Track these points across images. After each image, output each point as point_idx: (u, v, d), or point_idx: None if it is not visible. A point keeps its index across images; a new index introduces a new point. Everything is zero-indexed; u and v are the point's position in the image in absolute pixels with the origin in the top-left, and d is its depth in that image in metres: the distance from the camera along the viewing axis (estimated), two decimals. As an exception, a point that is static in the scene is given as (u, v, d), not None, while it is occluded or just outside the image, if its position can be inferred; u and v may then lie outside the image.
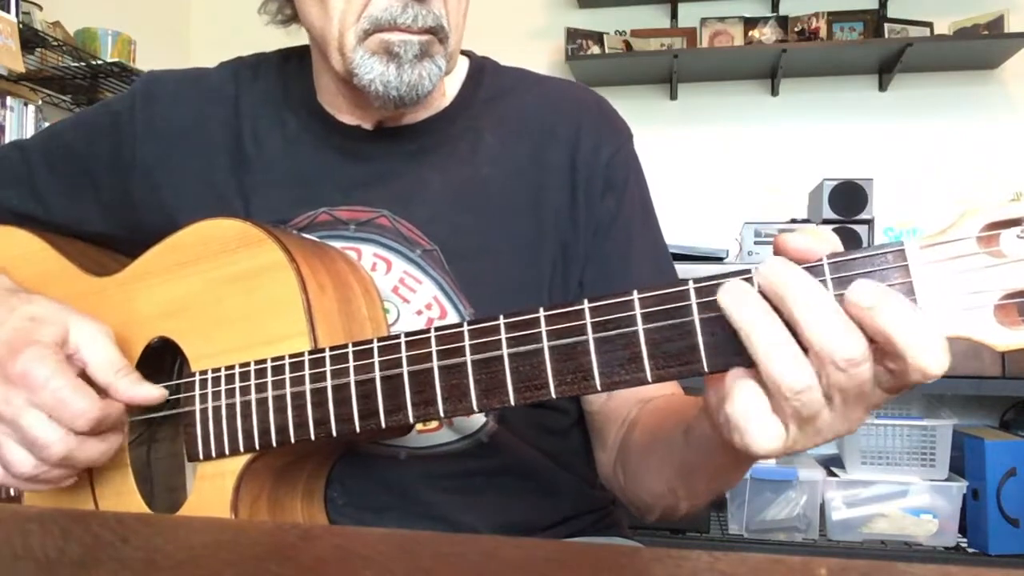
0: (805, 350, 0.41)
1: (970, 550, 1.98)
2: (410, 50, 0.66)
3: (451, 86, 0.78)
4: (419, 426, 0.69)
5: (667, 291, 0.46)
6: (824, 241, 0.43)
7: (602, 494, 0.77)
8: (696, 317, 0.45)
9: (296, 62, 0.80)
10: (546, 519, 0.73)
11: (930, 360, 0.39)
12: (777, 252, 0.44)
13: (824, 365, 0.40)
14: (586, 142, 0.75)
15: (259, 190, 0.75)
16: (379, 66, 0.66)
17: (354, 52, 0.66)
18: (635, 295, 0.46)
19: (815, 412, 0.42)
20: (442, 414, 0.52)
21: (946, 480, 2.00)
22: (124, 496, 0.67)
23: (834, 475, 2.06)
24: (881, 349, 0.40)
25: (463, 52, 0.81)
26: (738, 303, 0.42)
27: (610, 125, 0.78)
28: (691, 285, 0.45)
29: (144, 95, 0.79)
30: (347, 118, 0.75)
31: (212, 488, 0.62)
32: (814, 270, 0.42)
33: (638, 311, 0.46)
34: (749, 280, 0.43)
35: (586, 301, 0.48)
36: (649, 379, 0.46)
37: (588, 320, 0.48)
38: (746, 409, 0.42)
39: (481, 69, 0.80)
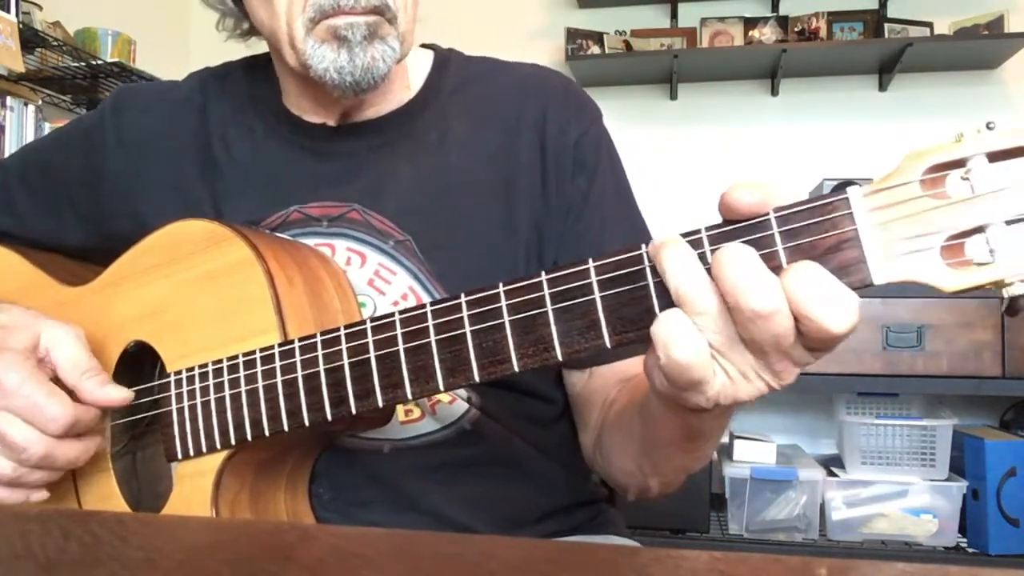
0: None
1: (970, 550, 1.98)
2: (358, 31, 0.66)
3: (416, 78, 0.78)
4: (402, 416, 0.69)
5: (622, 257, 0.47)
6: (771, 193, 0.44)
7: (595, 488, 0.77)
8: (651, 281, 0.45)
9: (262, 68, 0.81)
10: (535, 511, 0.74)
11: (832, 320, 0.40)
12: (725, 209, 0.44)
13: (736, 314, 0.42)
14: (553, 124, 0.75)
15: (230, 195, 0.75)
16: (330, 53, 0.66)
17: (304, 43, 0.67)
18: (591, 263, 0.47)
19: (727, 340, 0.43)
20: (410, 396, 0.53)
21: (946, 480, 2.00)
22: (108, 501, 0.67)
23: (834, 475, 2.06)
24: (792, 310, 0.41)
25: (428, 46, 0.81)
26: (659, 241, 0.44)
27: (577, 106, 0.77)
28: (644, 250, 0.46)
29: (114, 107, 0.80)
30: (312, 117, 0.76)
31: (192, 487, 0.62)
32: (762, 225, 0.43)
33: (594, 279, 0.47)
34: (697, 242, 0.44)
35: (543, 274, 0.49)
36: (608, 345, 0.47)
37: (546, 292, 0.48)
38: (666, 324, 0.43)
39: (446, 60, 0.80)
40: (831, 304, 0.40)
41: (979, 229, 0.40)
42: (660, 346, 0.43)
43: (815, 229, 0.42)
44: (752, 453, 2.09)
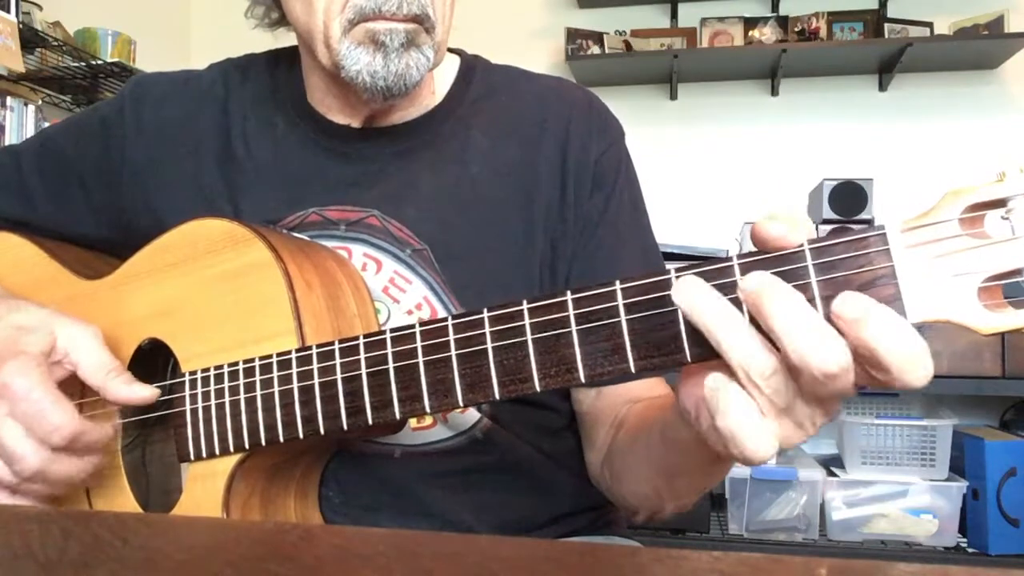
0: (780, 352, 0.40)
1: (970, 550, 1.98)
2: (396, 38, 0.65)
3: (441, 85, 0.78)
4: (413, 423, 0.69)
5: (649, 281, 0.46)
6: (801, 226, 0.42)
7: (599, 492, 0.77)
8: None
9: (286, 63, 0.80)
10: (543, 517, 0.73)
11: (914, 375, 0.38)
12: (755, 240, 0.43)
13: (802, 376, 0.40)
14: (576, 140, 0.74)
15: (248, 191, 0.75)
16: (365, 56, 0.66)
17: (340, 44, 0.66)
18: (617, 286, 0.46)
19: (788, 401, 0.41)
20: (428, 409, 0.53)
21: (946, 480, 2.00)
22: (118, 499, 0.67)
23: (834, 475, 2.06)
24: (866, 360, 0.39)
25: (454, 51, 0.81)
26: (692, 301, 0.42)
27: (600, 123, 0.77)
28: (672, 275, 0.45)
29: (133, 97, 0.79)
30: (337, 117, 0.75)
31: (204, 489, 0.62)
32: (796, 256, 0.42)
33: (620, 302, 0.46)
34: (728, 270, 0.43)
35: (568, 293, 0.48)
36: (632, 370, 0.46)
37: (571, 312, 0.48)
38: (739, 421, 0.41)
39: (471, 68, 0.80)
40: (915, 358, 0.38)
41: (1018, 271, 0.39)
42: (735, 444, 0.41)
43: (850, 263, 0.41)
44: (752, 453, 2.08)
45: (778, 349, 0.40)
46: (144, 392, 0.62)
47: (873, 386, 0.41)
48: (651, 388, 0.71)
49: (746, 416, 0.41)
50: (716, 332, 0.41)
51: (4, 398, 0.59)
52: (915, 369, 0.38)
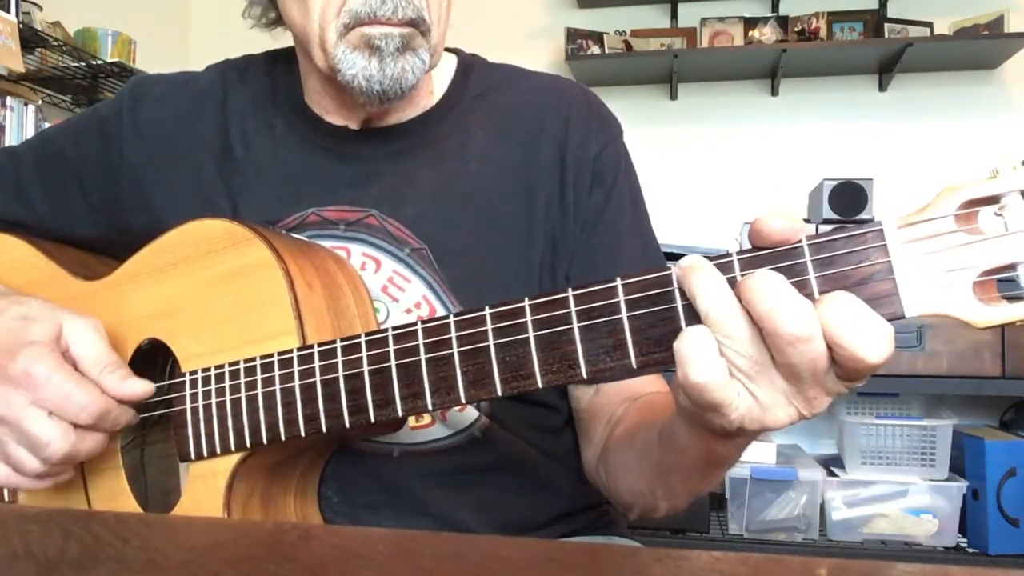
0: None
1: (970, 550, 1.98)
2: (391, 43, 0.65)
3: (439, 84, 0.78)
4: (412, 422, 0.69)
5: (650, 277, 0.46)
6: (799, 223, 0.44)
7: (598, 492, 0.78)
8: (679, 303, 0.45)
9: (284, 63, 0.80)
10: (542, 516, 0.74)
11: (866, 349, 0.40)
12: (756, 236, 0.44)
13: (773, 340, 0.41)
14: (574, 137, 0.75)
15: (247, 191, 0.75)
16: (361, 61, 0.66)
17: (335, 48, 0.66)
18: (619, 282, 0.47)
19: (758, 365, 0.42)
20: (430, 407, 0.53)
21: (946, 480, 2.00)
22: (117, 498, 0.67)
23: (834, 475, 2.06)
24: (828, 337, 0.41)
25: (452, 50, 0.81)
26: (688, 269, 0.44)
27: (599, 119, 0.77)
28: (674, 271, 0.45)
29: (132, 98, 0.79)
30: (334, 118, 0.76)
31: (205, 488, 0.62)
32: (794, 252, 0.43)
33: (622, 298, 0.47)
34: (728, 266, 0.44)
35: (570, 290, 0.48)
36: (634, 366, 0.46)
37: (573, 309, 0.48)
38: (687, 342, 0.43)
39: (469, 67, 0.80)
40: (866, 333, 0.40)
41: (1011, 266, 0.40)
42: (679, 364, 0.43)
43: (848, 259, 0.42)
44: (752, 453, 2.08)
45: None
46: (139, 387, 0.62)
47: (842, 375, 0.42)
48: (649, 385, 0.71)
49: (698, 339, 0.43)
50: (694, 285, 0.43)
51: (24, 387, 0.59)
52: (866, 343, 0.40)
